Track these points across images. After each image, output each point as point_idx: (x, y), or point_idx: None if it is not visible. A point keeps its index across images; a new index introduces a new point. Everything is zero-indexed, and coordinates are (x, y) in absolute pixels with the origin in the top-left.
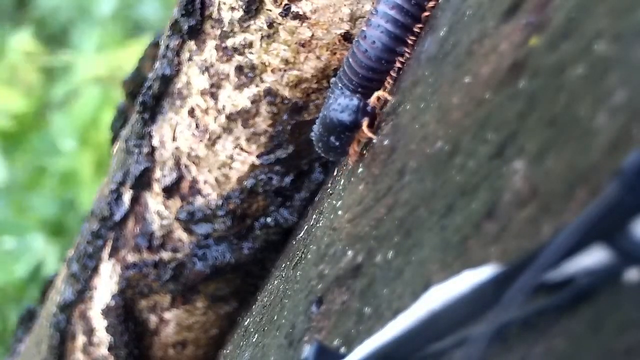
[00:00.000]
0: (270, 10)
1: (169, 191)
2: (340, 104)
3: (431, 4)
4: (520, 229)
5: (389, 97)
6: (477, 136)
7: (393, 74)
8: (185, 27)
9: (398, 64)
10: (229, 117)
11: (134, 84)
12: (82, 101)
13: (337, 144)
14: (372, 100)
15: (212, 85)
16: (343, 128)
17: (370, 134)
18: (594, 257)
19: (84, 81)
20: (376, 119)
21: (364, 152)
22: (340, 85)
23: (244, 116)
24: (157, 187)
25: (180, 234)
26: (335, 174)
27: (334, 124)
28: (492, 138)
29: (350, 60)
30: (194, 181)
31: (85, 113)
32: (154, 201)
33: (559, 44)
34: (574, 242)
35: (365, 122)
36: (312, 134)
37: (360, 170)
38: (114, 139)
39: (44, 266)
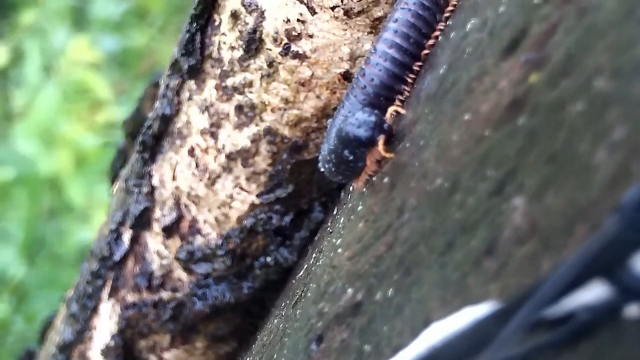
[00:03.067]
0: (270, 50)
1: (169, 231)
2: (357, 118)
3: (430, 42)
4: (520, 265)
5: (405, 112)
6: (477, 173)
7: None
8: (185, 66)
9: (397, 102)
10: (229, 157)
11: (134, 124)
12: (39, 101)
13: (351, 158)
14: (388, 116)
15: (212, 125)
16: (358, 143)
17: (385, 153)
18: (594, 292)
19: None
20: (392, 137)
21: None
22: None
23: (244, 155)
24: (156, 227)
25: (179, 273)
26: (335, 212)
27: (350, 139)
28: (491, 175)
29: (350, 96)
30: (194, 220)
31: (44, 113)
32: (153, 241)
33: (558, 80)
34: (574, 278)
35: (381, 140)
36: (320, 155)
37: (360, 208)
38: (113, 179)
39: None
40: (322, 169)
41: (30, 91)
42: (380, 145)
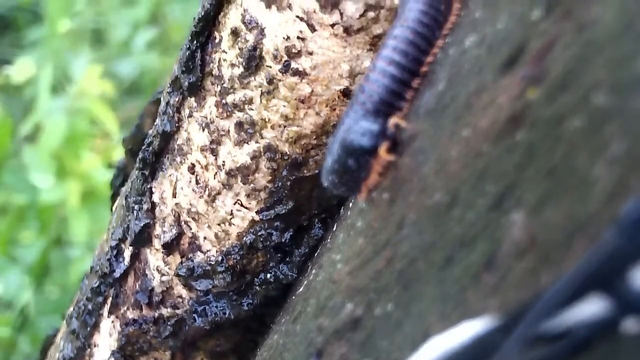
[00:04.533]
0: (270, 67)
1: (169, 247)
2: (361, 126)
3: (429, 59)
4: (519, 279)
5: (405, 125)
6: (476, 188)
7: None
8: (186, 83)
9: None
10: (229, 173)
11: (134, 141)
12: (47, 131)
13: (355, 167)
14: (391, 124)
15: (212, 142)
16: (362, 151)
17: (387, 156)
18: (592, 306)
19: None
20: (397, 144)
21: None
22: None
23: (244, 172)
24: (157, 244)
25: (180, 290)
26: (334, 229)
27: (354, 147)
28: (490, 189)
29: (350, 112)
30: (194, 237)
31: (51, 143)
32: (153, 257)
33: (556, 95)
34: (572, 291)
35: (384, 146)
36: (323, 169)
37: (359, 223)
38: (113, 196)
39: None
40: (325, 182)
41: (39, 114)
42: (383, 150)
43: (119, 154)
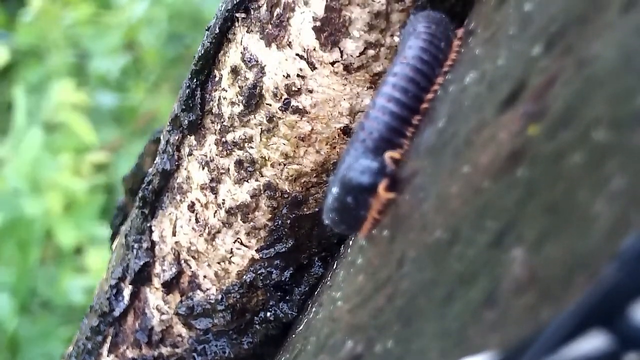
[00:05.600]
0: (270, 105)
1: (169, 286)
2: (360, 164)
3: (429, 96)
4: (519, 315)
5: (402, 158)
6: (476, 224)
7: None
8: (185, 121)
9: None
10: (229, 212)
11: (134, 180)
12: (24, 144)
13: (354, 205)
14: (389, 162)
15: (212, 180)
16: (361, 189)
17: (386, 194)
18: (593, 342)
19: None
20: (396, 181)
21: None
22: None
23: (244, 210)
24: (156, 282)
25: (179, 328)
26: (334, 267)
27: (353, 185)
28: (490, 226)
29: (351, 149)
30: (194, 276)
31: (30, 152)
32: (153, 296)
33: (557, 131)
34: (572, 327)
35: (383, 184)
36: (324, 206)
37: (359, 261)
38: (113, 236)
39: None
40: (326, 220)
41: (16, 134)
42: (382, 188)
43: (93, 163)
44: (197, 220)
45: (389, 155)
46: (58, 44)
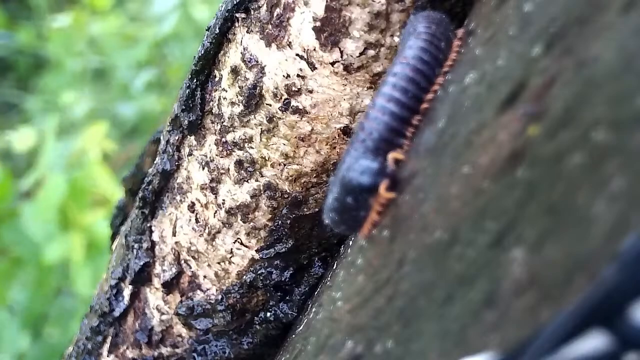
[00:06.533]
0: (270, 105)
1: (169, 286)
2: (360, 165)
3: (429, 96)
4: (519, 316)
5: (404, 158)
6: (476, 225)
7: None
8: (186, 122)
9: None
10: (229, 212)
11: (134, 181)
12: (47, 188)
13: (354, 205)
14: (390, 162)
15: (212, 180)
16: (361, 190)
17: (386, 194)
18: (593, 342)
19: (47, 167)
20: (396, 182)
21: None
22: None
23: (244, 210)
24: (156, 282)
25: (179, 329)
26: (334, 267)
27: (353, 185)
28: (490, 227)
29: (351, 150)
30: (194, 276)
31: (51, 200)
32: (153, 296)
33: (557, 132)
34: (572, 327)
35: (383, 185)
36: (324, 206)
37: (359, 261)
38: (113, 236)
39: None
40: (327, 220)
41: (41, 170)
42: (383, 188)
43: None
44: (197, 221)
45: (392, 156)
46: (82, 52)
